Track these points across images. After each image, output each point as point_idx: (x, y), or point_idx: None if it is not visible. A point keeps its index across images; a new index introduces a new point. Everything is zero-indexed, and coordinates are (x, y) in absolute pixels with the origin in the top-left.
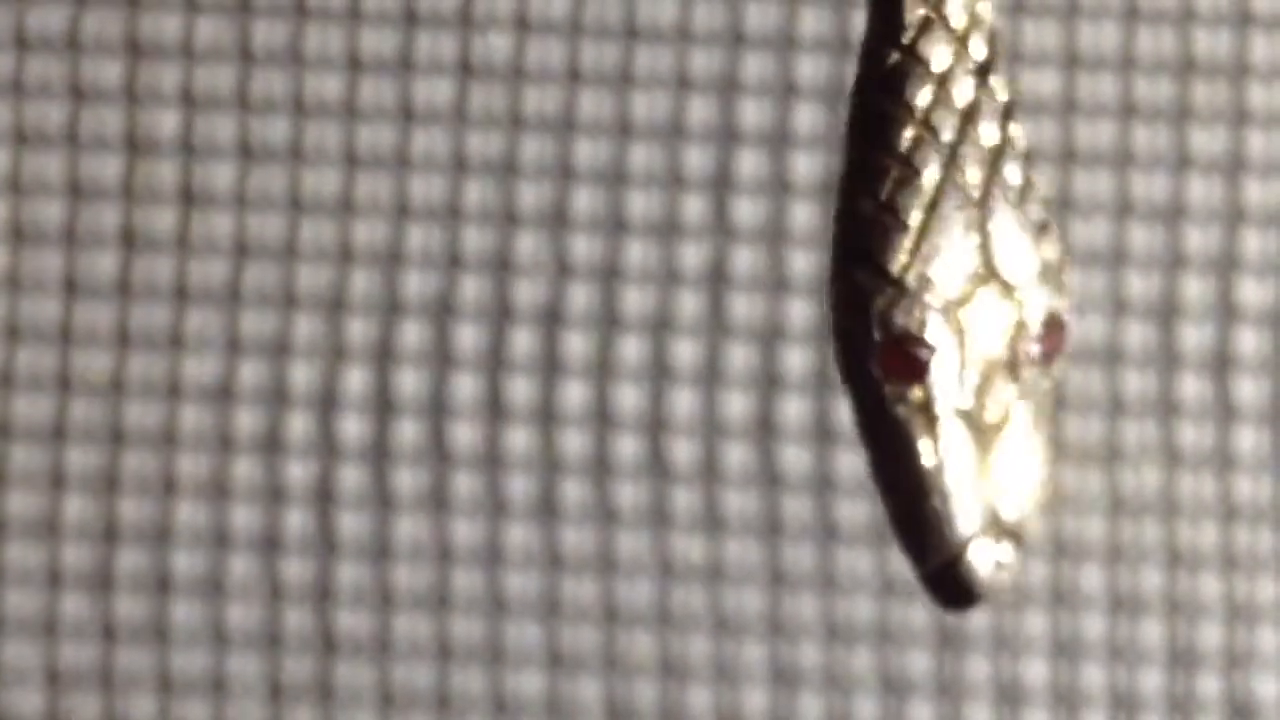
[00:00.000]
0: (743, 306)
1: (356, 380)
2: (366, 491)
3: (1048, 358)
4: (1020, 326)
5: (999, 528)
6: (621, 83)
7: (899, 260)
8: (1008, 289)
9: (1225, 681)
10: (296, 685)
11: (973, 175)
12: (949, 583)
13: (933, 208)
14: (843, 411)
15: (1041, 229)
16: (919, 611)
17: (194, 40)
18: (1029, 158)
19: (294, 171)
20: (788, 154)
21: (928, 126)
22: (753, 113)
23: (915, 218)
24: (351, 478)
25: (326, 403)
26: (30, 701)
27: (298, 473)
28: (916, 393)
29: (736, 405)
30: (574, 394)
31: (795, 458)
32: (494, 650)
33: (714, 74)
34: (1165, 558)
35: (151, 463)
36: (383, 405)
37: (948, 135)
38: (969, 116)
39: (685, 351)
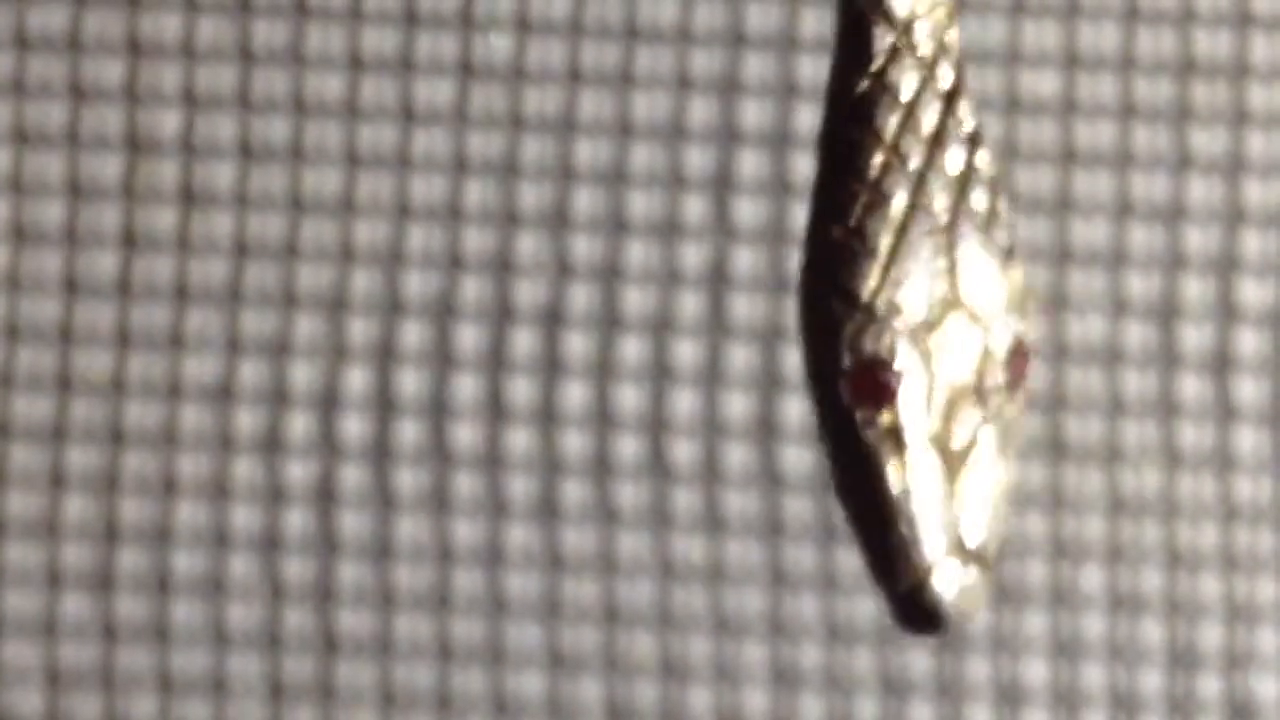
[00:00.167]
0: (743, 307)
1: (357, 380)
2: (367, 491)
3: (1013, 385)
4: (987, 353)
5: (965, 552)
6: (622, 83)
7: (868, 286)
8: (974, 316)
9: (1225, 682)
10: (297, 685)
11: (940, 202)
12: (915, 607)
13: (901, 234)
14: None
15: (1008, 256)
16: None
17: (195, 40)
18: (995, 185)
19: (295, 171)
20: (788, 154)
21: (896, 153)
22: (753, 113)
23: (884, 243)
24: (352, 477)
25: (327, 402)
26: (30, 701)
27: (298, 472)
28: (885, 418)
29: (737, 405)
30: (575, 394)
31: (796, 458)
32: (495, 650)
33: (715, 74)
34: (1165, 558)
35: (152, 462)
36: (383, 405)
37: (915, 162)
38: (936, 143)
39: (686, 352)
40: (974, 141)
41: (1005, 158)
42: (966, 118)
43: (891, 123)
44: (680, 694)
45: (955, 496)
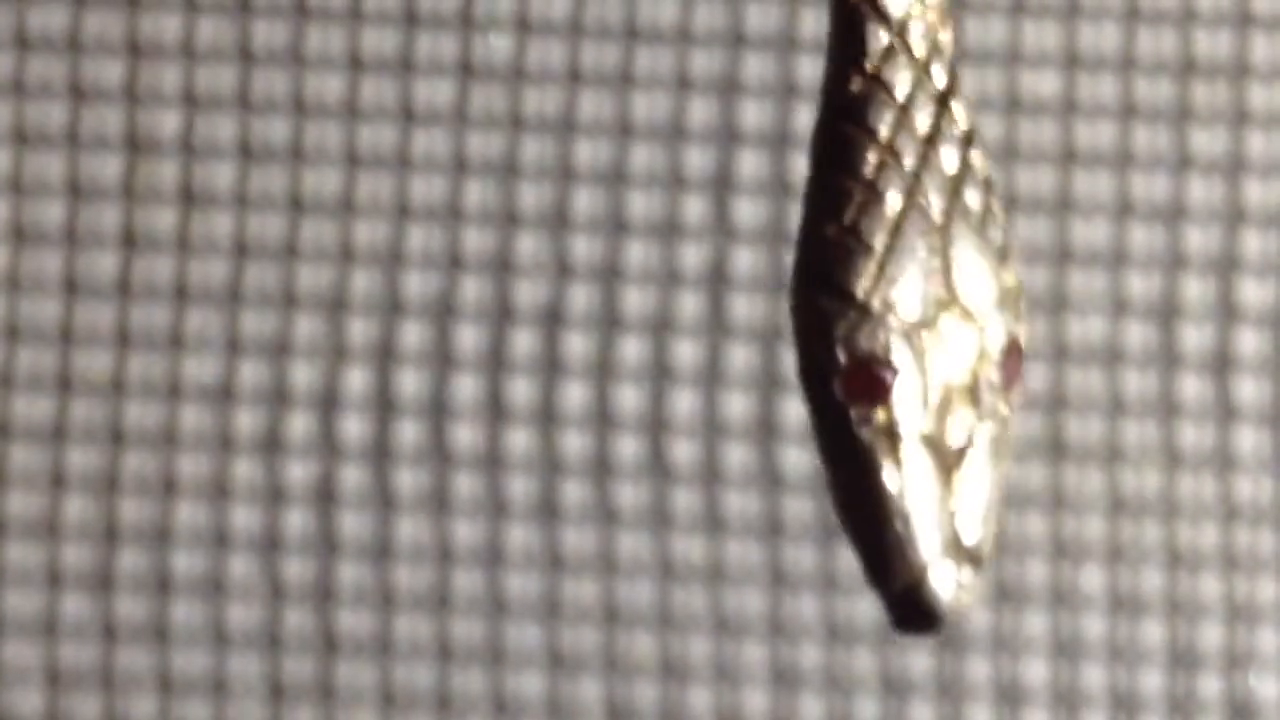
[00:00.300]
0: (743, 307)
1: (357, 380)
2: (367, 492)
3: (1007, 384)
4: (981, 352)
5: (960, 551)
6: (622, 83)
7: (862, 284)
8: (969, 315)
9: (1225, 682)
10: (297, 685)
11: (934, 201)
12: (911, 606)
13: (896, 232)
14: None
15: (1002, 255)
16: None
17: (195, 40)
18: (989, 184)
19: (295, 172)
20: (788, 154)
21: (891, 152)
22: (753, 113)
23: (879, 242)
24: (352, 478)
25: (327, 403)
26: (30, 701)
27: (298, 473)
28: (880, 415)
29: (737, 406)
30: (574, 394)
31: (796, 458)
32: (495, 650)
33: (714, 75)
34: (1165, 558)
35: (152, 463)
36: (383, 405)
37: (910, 161)
38: (930, 143)
39: (686, 352)
40: (968, 141)
41: (1005, 158)
42: (960, 118)
43: (887, 122)
44: (680, 694)
45: (950, 495)
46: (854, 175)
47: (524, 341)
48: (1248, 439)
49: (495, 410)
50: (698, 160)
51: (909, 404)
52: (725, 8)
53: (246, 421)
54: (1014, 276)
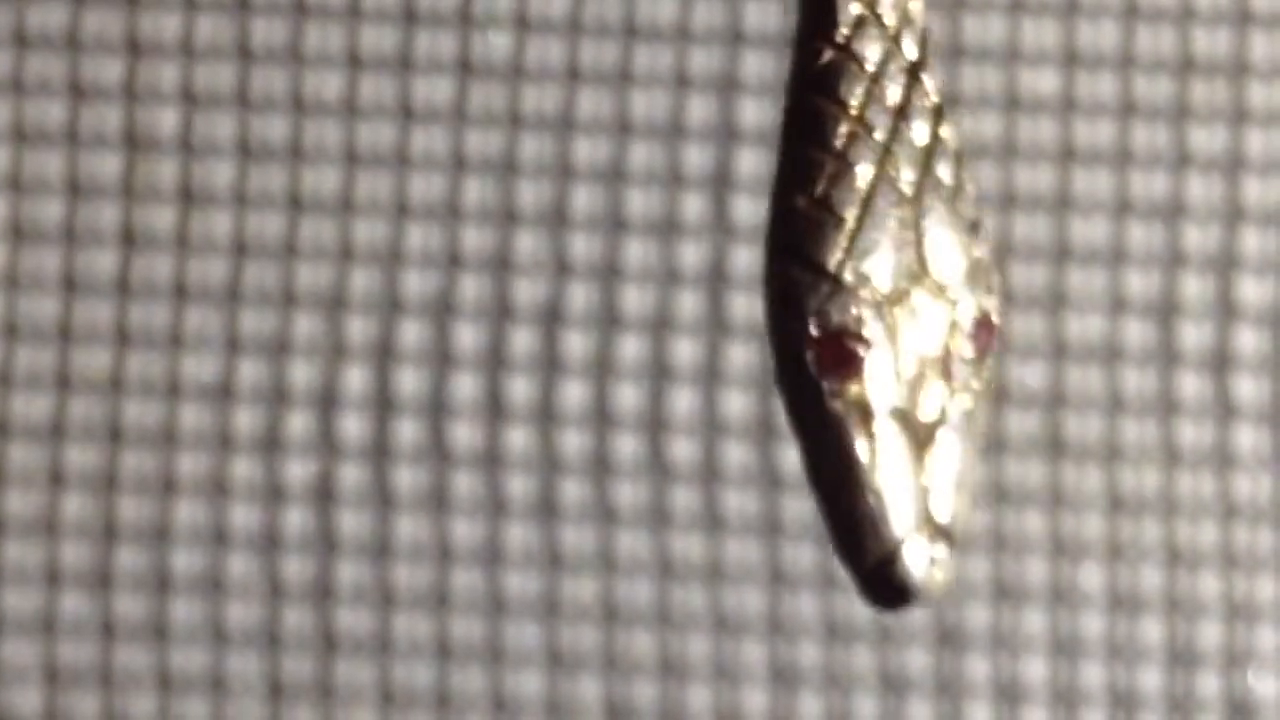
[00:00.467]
0: (742, 305)
1: (356, 379)
2: (366, 490)
3: (979, 357)
4: (953, 326)
5: (933, 527)
6: (621, 81)
7: (834, 256)
8: (940, 288)
9: (1224, 680)
10: (296, 684)
11: (906, 173)
12: (884, 582)
13: (867, 205)
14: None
15: (972, 229)
16: (919, 610)
17: (193, 38)
18: (960, 157)
19: (293, 170)
20: None
21: (862, 124)
22: (752, 111)
23: (850, 214)
24: (351, 476)
25: (326, 401)
26: (29, 700)
27: (297, 471)
28: (852, 389)
29: (736, 404)
30: (573, 393)
31: (795, 457)
32: (494, 649)
33: (713, 73)
34: (1164, 556)
35: (151, 461)
36: (382, 404)
37: (881, 133)
38: (901, 115)
39: (685, 351)
40: (938, 114)
41: (1004, 156)
42: (931, 90)
43: (857, 93)
44: (679, 693)
45: (923, 470)
46: (825, 147)
47: (523, 340)
48: (1247, 437)
49: (494, 409)
50: (697, 159)
51: (881, 377)
52: (724, 6)
53: (245, 420)
54: (985, 250)
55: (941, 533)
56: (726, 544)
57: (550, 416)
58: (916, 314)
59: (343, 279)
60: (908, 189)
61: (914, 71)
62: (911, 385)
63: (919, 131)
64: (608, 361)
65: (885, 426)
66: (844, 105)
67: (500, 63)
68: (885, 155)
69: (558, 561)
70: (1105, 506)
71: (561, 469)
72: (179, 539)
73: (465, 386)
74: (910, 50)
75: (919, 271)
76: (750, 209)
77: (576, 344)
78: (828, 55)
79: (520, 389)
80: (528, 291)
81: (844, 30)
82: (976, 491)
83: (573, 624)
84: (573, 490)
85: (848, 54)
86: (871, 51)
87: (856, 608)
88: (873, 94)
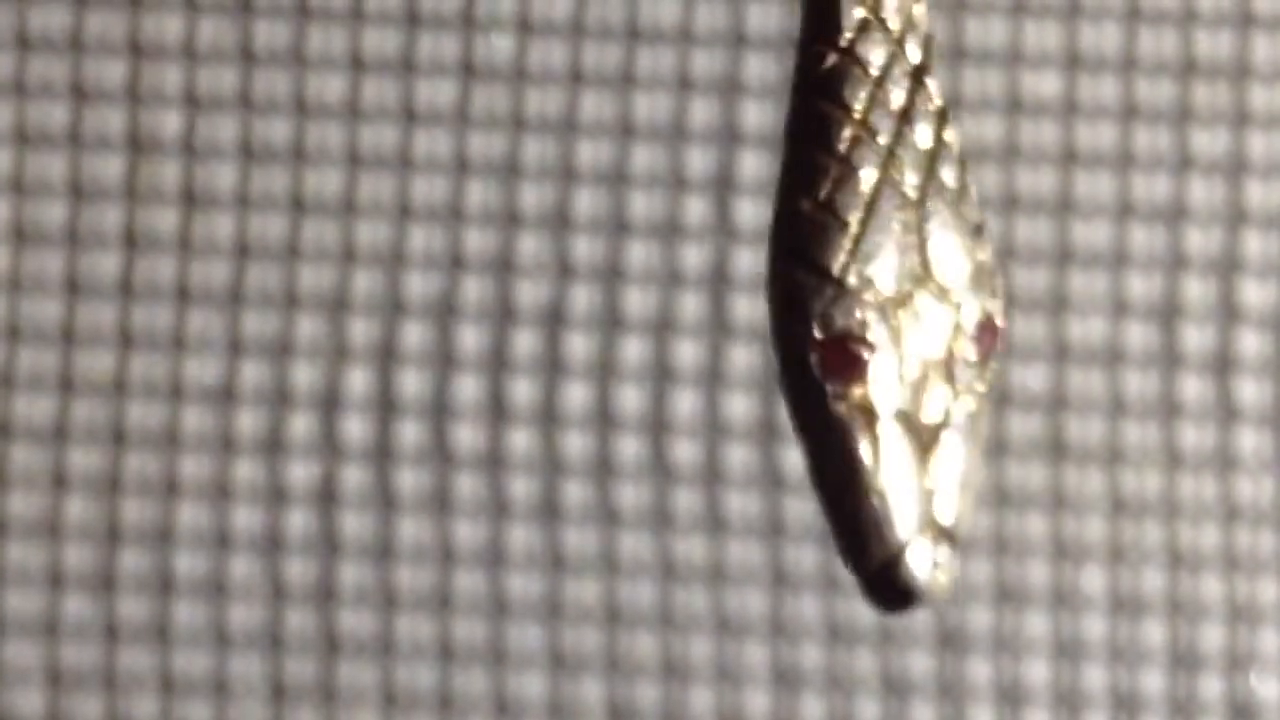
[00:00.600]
0: (745, 307)
1: (359, 381)
2: (369, 492)
3: (982, 360)
4: (956, 329)
5: (937, 529)
6: (623, 84)
7: (838, 259)
8: (943, 291)
9: (1227, 683)
10: (299, 686)
11: (910, 177)
12: (887, 584)
13: (871, 208)
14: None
15: (976, 232)
16: (921, 612)
17: (196, 40)
18: (964, 161)
19: (296, 172)
20: None
21: (866, 127)
22: (754, 114)
23: (854, 217)
24: (354, 478)
25: (329, 403)
26: (32, 702)
27: (300, 473)
28: (856, 392)
29: (739, 406)
30: (576, 395)
31: (797, 459)
32: (496, 651)
33: (716, 75)
34: (1166, 559)
35: (153, 463)
36: (385, 406)
37: (885, 137)
38: (905, 118)
39: (687, 352)
40: (942, 117)
41: (1006, 158)
42: (934, 94)
43: (861, 97)
44: (681, 694)
45: (926, 473)
46: (828, 150)
47: (525, 342)
48: (1249, 440)
49: (496, 411)
50: (699, 161)
51: (885, 380)
52: (727, 8)
53: (248, 422)
54: (988, 252)
55: (945, 535)
56: (729, 546)
57: (552, 418)
58: (920, 317)
59: (345, 281)
60: (911, 192)
61: (918, 75)
62: (915, 388)
63: (922, 135)
64: (610, 363)
65: (889, 429)
66: (848, 109)
67: (503, 65)
68: (889, 159)
69: (560, 563)
70: (1107, 509)
71: (564, 470)
72: (182, 541)
73: (468, 388)
74: (914, 54)
75: (923, 274)
76: (752, 211)
77: (579, 346)
78: (831, 59)
79: (523, 391)
80: (530, 293)
81: (848, 34)
82: (979, 493)
83: (575, 625)
84: (575, 492)
85: (851, 58)
86: (875, 55)
87: (859, 609)
88: (876, 98)
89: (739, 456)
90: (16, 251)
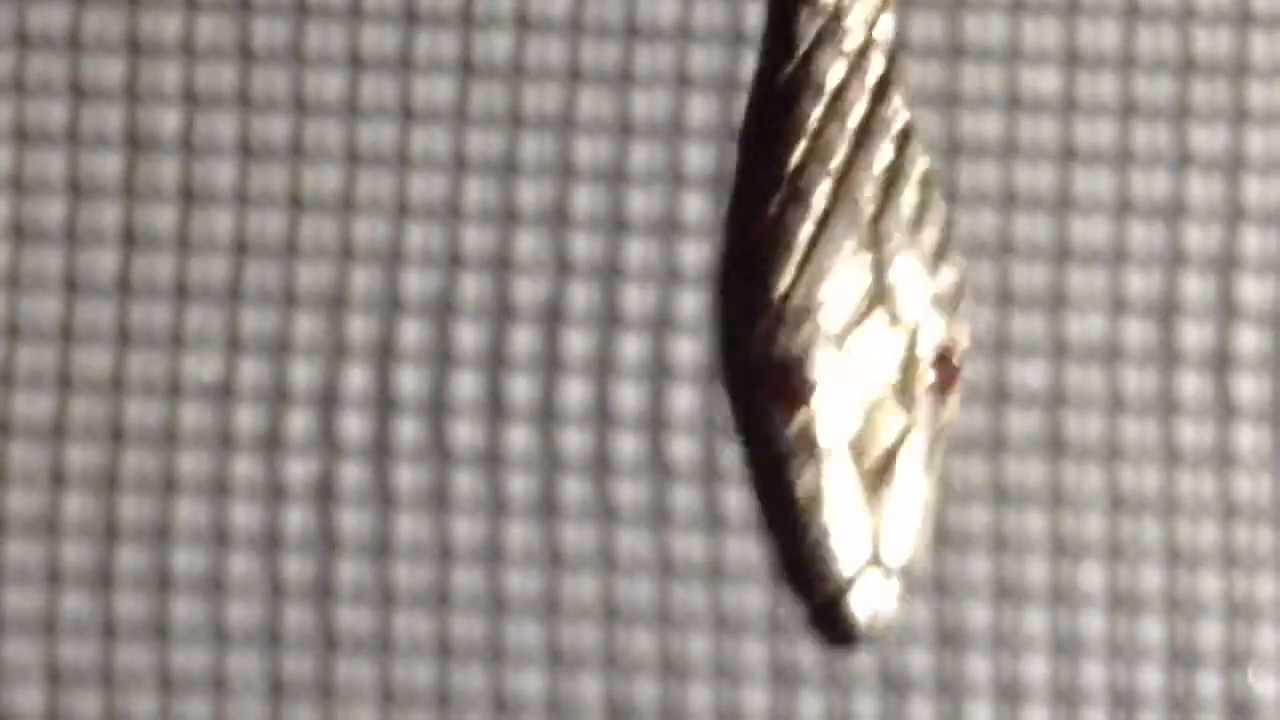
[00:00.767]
0: None
1: (357, 378)
2: (367, 489)
3: (942, 389)
4: (911, 355)
5: (883, 565)
6: (622, 81)
7: (784, 281)
8: (898, 316)
9: (1225, 680)
10: (297, 683)
11: (865, 197)
12: (828, 621)
13: (822, 228)
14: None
15: (938, 255)
16: (919, 609)
17: (195, 38)
18: (927, 179)
19: (295, 169)
20: None
21: (819, 145)
22: None
23: (803, 238)
24: (352, 475)
25: (327, 401)
26: (30, 699)
27: (298, 471)
28: (800, 419)
29: None
30: (574, 392)
31: None
32: (494, 648)
33: (715, 72)
34: (1165, 556)
35: (152, 461)
36: (383, 403)
37: (840, 155)
38: (863, 137)
39: (686, 350)
40: (905, 136)
41: (1004, 155)
42: (899, 111)
43: (815, 113)
44: (680, 692)
45: (878, 504)
46: (779, 168)
47: (524, 339)
48: (1247, 437)
49: (495, 408)
50: (698, 159)
51: (832, 408)
52: (725, 6)
53: (246, 419)
54: (954, 274)
55: (893, 570)
56: (728, 543)
57: (551, 415)
58: (873, 342)
59: (344, 278)
60: (867, 212)
61: (880, 90)
62: (866, 417)
63: (882, 154)
64: (608, 361)
65: (836, 459)
66: (800, 125)
67: (501, 63)
68: (843, 178)
69: (558, 560)
70: (1105, 506)
71: (562, 468)
72: (180, 538)
73: (466, 385)
74: (877, 67)
75: (876, 298)
76: None
77: (577, 343)
78: (786, 71)
79: (521, 388)
80: (528, 291)
81: (803, 46)
82: (930, 528)
83: (573, 623)
84: (573, 489)
85: (805, 72)
86: (833, 70)
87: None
88: (831, 114)
89: (738, 454)
90: (15, 249)
